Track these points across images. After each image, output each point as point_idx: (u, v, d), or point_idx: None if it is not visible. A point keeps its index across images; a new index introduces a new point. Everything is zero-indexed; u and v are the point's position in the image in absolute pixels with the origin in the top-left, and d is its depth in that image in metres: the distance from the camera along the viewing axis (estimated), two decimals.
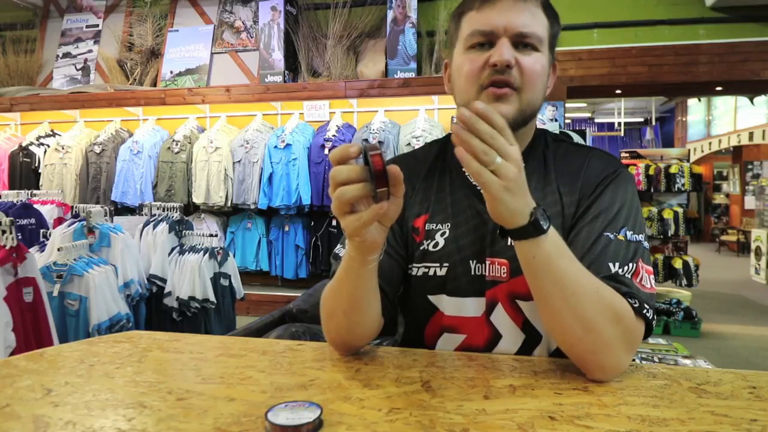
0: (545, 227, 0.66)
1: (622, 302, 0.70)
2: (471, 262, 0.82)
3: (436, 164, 0.91)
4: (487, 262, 0.82)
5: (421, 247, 0.85)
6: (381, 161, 0.59)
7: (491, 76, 0.76)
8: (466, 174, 0.87)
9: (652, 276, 0.76)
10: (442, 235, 0.84)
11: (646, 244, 0.77)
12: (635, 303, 0.70)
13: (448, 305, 0.83)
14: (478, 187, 0.85)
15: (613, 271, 0.72)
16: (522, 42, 0.76)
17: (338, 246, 0.85)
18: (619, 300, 0.69)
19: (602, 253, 0.74)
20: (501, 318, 0.81)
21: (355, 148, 0.61)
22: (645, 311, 0.71)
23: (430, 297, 0.85)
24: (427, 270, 0.84)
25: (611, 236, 0.75)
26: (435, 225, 0.85)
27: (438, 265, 0.84)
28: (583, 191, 0.81)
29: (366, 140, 3.81)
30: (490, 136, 0.61)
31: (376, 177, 0.59)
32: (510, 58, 0.74)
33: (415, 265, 0.86)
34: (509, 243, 0.80)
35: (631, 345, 0.70)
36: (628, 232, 0.76)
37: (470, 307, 0.82)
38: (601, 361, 0.68)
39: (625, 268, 0.73)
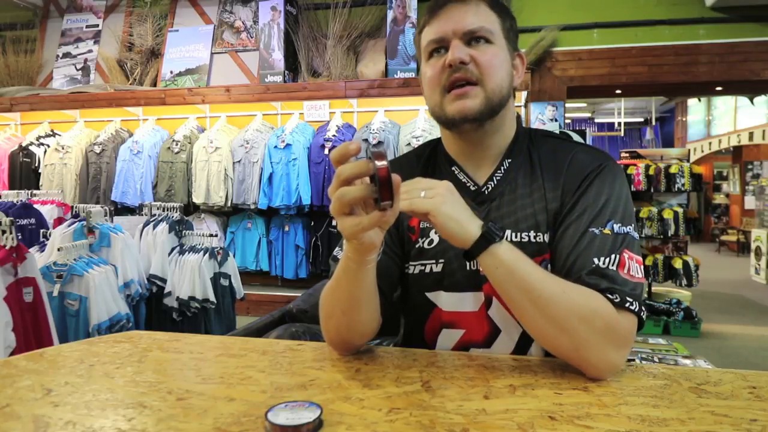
0: (499, 235, 0.70)
1: (596, 299, 0.70)
2: None
3: (429, 164, 0.93)
4: None
5: (417, 245, 0.86)
6: (387, 171, 0.58)
7: (450, 76, 0.80)
8: (456, 173, 0.88)
9: (641, 266, 0.76)
10: (436, 232, 0.85)
11: (634, 234, 0.77)
12: (615, 298, 0.70)
13: (446, 301, 0.84)
14: (468, 184, 0.87)
15: (594, 264, 0.73)
16: (474, 38, 0.81)
17: (337, 249, 0.86)
18: (591, 297, 0.70)
19: (587, 249, 0.74)
20: (499, 312, 0.82)
21: (354, 145, 0.61)
22: (628, 304, 0.71)
23: (428, 294, 0.85)
24: (423, 267, 0.85)
25: (596, 231, 0.75)
26: (429, 223, 0.86)
27: (434, 261, 0.85)
28: (566, 186, 0.82)
29: (366, 140, 3.81)
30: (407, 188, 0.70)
31: (381, 186, 0.59)
32: (462, 55, 0.79)
33: (411, 263, 0.87)
34: None
35: (616, 340, 0.69)
36: (615, 225, 0.76)
37: (468, 301, 0.83)
38: (585, 357, 0.68)
39: (608, 260, 0.73)
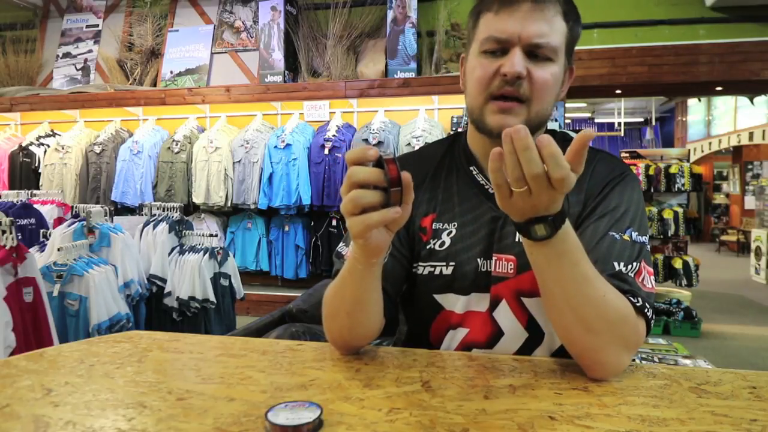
0: (539, 235, 0.63)
1: (626, 303, 0.70)
2: (478, 259, 0.83)
3: (443, 163, 0.92)
4: (494, 259, 0.82)
5: (428, 246, 0.85)
6: (396, 169, 0.60)
7: (501, 86, 0.76)
8: (473, 174, 0.87)
9: (652, 277, 0.77)
10: (448, 234, 0.85)
11: (648, 246, 0.78)
12: (637, 302, 0.71)
13: (455, 303, 0.84)
14: (486, 186, 0.86)
15: (617, 269, 0.73)
16: (535, 52, 0.76)
17: (341, 244, 0.85)
18: (623, 302, 0.70)
19: (607, 252, 0.74)
20: (504, 315, 0.82)
21: (373, 151, 0.60)
22: (646, 310, 0.72)
23: (436, 296, 0.85)
24: (432, 269, 0.85)
25: (617, 236, 0.76)
26: (442, 224, 0.86)
27: (444, 264, 0.84)
28: (589, 192, 0.82)
29: (366, 140, 3.80)
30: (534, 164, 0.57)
31: (391, 182, 0.60)
32: (521, 70, 0.74)
33: (421, 264, 0.86)
34: (517, 239, 0.81)
35: (632, 344, 0.70)
36: (633, 233, 0.77)
37: (475, 302, 0.83)
38: (601, 359, 0.68)
39: (629, 267, 0.74)
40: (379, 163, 0.61)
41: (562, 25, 0.77)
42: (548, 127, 0.89)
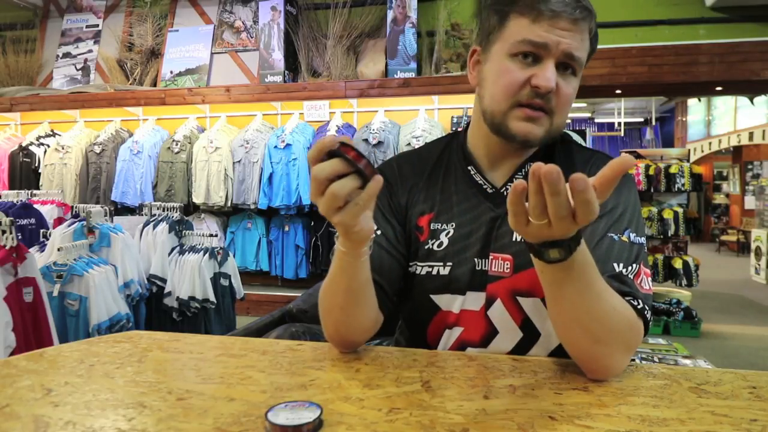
0: (553, 258, 0.60)
1: (629, 309, 0.70)
2: (475, 259, 0.83)
3: (440, 163, 0.92)
4: (491, 257, 0.82)
5: (426, 246, 0.86)
6: (353, 149, 0.60)
7: (531, 97, 0.76)
8: (471, 174, 0.88)
9: (649, 278, 0.77)
10: (446, 235, 0.85)
11: (645, 247, 0.79)
12: (638, 304, 0.71)
13: (452, 303, 0.84)
14: (484, 186, 0.86)
15: (617, 270, 0.73)
16: (565, 65, 0.77)
17: (335, 245, 0.85)
18: (627, 309, 0.69)
19: (607, 253, 0.74)
20: (499, 314, 0.82)
21: (329, 138, 0.60)
22: (645, 312, 0.72)
23: (433, 296, 0.85)
24: (430, 269, 0.85)
25: (615, 237, 0.76)
26: (440, 225, 0.86)
27: (441, 264, 0.84)
28: None
29: (366, 140, 3.81)
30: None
31: (357, 162, 0.60)
32: (554, 85, 0.75)
33: (418, 263, 0.86)
34: (514, 239, 0.81)
35: (633, 347, 0.70)
36: (631, 234, 0.77)
37: (470, 301, 0.83)
38: (606, 364, 0.68)
39: (629, 268, 0.74)
40: (332, 154, 0.61)
41: (587, 43, 0.80)
42: None
